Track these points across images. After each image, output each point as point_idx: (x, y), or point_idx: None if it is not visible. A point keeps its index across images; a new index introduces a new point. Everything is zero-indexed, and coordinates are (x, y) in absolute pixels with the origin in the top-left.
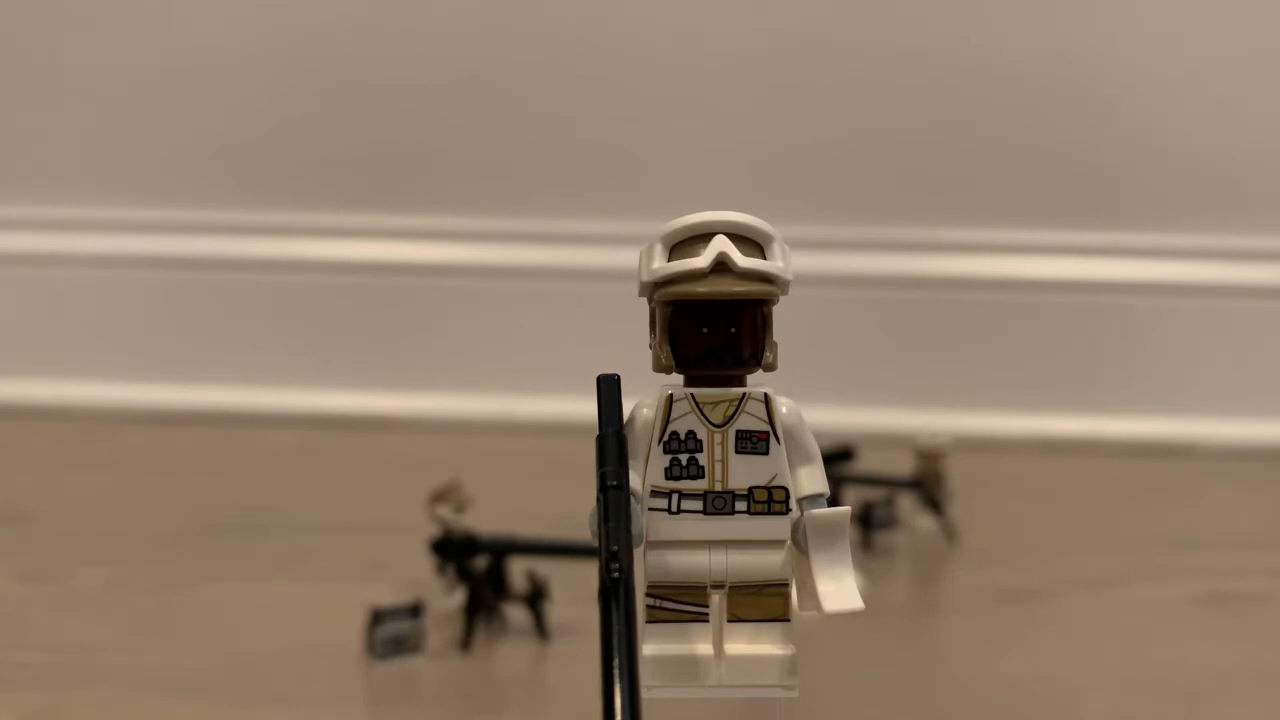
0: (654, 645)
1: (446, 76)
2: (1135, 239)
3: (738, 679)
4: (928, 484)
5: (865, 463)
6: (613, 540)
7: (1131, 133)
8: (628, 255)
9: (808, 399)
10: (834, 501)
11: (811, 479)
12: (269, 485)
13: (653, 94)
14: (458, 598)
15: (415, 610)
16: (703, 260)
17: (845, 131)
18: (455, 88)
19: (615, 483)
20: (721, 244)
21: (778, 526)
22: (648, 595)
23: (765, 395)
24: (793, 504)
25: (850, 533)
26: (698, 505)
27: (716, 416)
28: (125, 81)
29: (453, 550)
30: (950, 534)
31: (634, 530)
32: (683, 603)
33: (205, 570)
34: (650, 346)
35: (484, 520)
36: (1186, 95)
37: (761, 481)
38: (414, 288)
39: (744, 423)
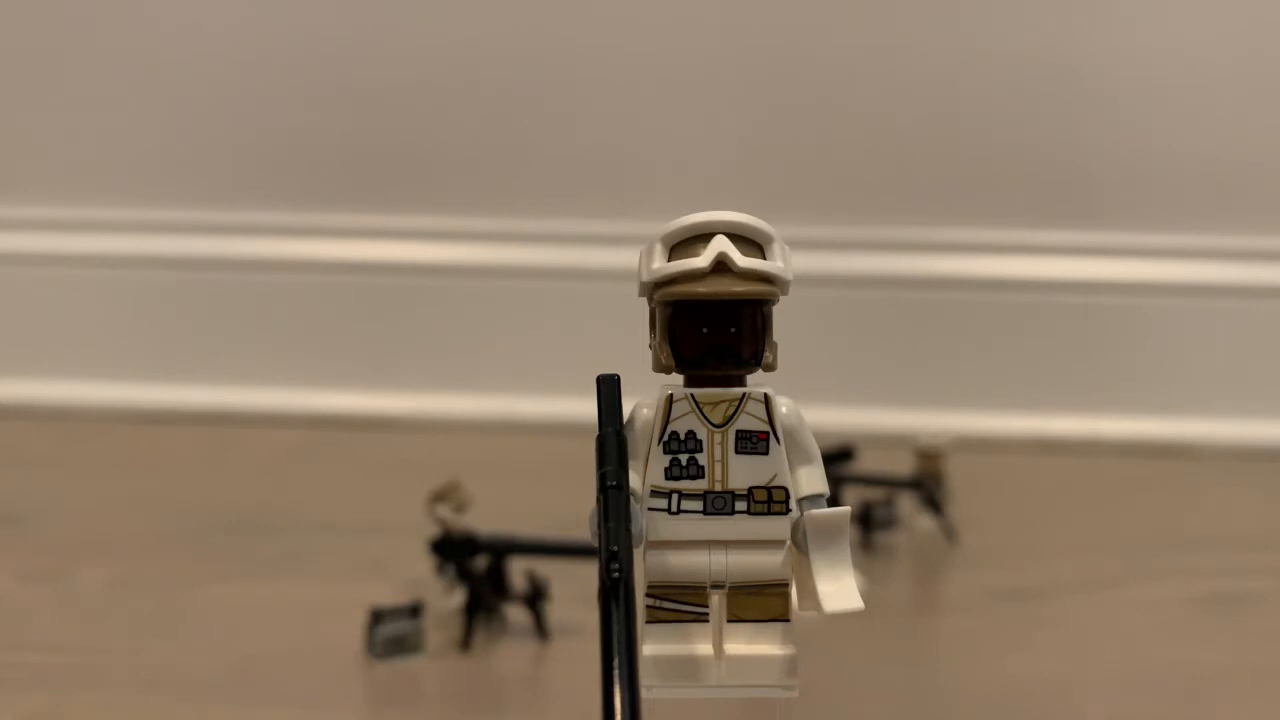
0: (654, 645)
1: (446, 76)
2: (1135, 239)
3: (737, 679)
4: (928, 484)
5: (865, 463)
6: (613, 540)
7: (1131, 133)
8: (628, 255)
9: (808, 399)
10: (834, 501)
11: (811, 479)
12: (269, 485)
13: (652, 94)
14: (458, 598)
15: (415, 610)
16: (703, 260)
17: (845, 131)
18: (455, 88)
19: (615, 483)
20: (721, 244)
21: (778, 526)
22: (648, 595)
23: (765, 395)
24: (793, 504)
25: (850, 533)
26: (697, 505)
27: (716, 416)
28: (125, 82)
29: (453, 550)
30: (950, 534)
31: (634, 530)
32: (682, 603)
33: (205, 570)
34: (650, 346)
35: (484, 520)
36: (1186, 95)
37: (761, 481)
38: (414, 288)
39: (744, 423)
